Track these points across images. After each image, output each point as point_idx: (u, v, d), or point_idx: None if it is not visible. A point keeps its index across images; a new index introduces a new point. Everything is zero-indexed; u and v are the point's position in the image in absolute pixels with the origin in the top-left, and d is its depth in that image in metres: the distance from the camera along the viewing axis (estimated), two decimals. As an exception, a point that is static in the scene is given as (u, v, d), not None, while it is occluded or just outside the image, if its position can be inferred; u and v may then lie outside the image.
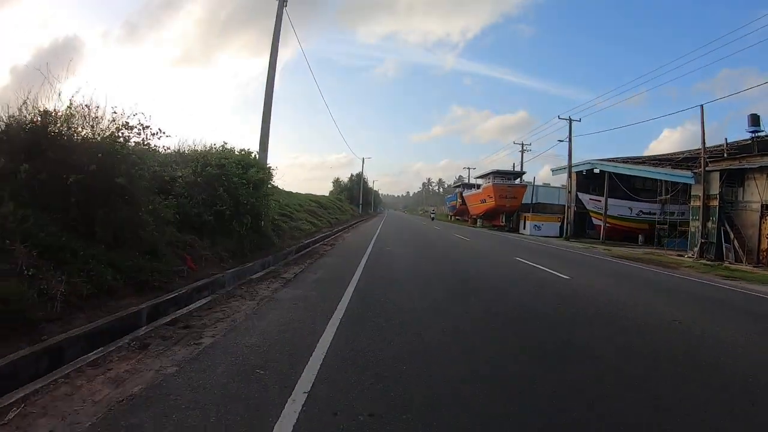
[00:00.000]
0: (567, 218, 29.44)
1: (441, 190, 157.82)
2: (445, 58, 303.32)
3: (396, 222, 40.33)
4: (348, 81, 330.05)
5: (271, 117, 11.35)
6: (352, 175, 68.02)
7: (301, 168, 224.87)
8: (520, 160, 39.41)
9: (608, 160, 30.48)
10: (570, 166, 29.64)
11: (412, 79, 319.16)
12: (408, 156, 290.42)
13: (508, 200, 34.94)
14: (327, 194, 57.70)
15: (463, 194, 48.02)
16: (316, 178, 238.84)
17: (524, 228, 34.15)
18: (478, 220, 40.55)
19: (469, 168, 60.07)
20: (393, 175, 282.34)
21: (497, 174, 37.51)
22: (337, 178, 69.48)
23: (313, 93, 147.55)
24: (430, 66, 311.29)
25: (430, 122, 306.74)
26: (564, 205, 38.20)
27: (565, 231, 28.96)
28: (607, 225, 27.86)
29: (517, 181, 37.51)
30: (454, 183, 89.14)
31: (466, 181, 59.54)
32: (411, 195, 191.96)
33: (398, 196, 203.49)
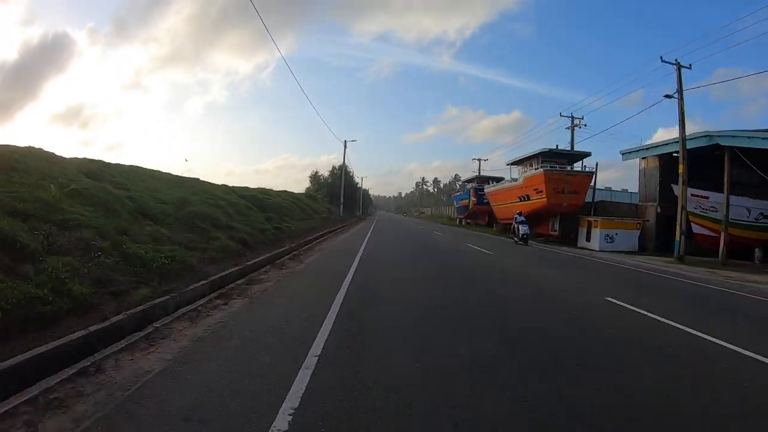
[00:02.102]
0: (679, 224, 17.59)
1: (436, 190, 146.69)
2: (440, 56, 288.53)
3: (395, 236, 23.30)
4: (341, 80, 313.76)
5: None
6: (333, 168, 52.24)
7: (292, 168, 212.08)
8: (569, 140, 27.53)
9: (734, 132, 18.89)
10: (683, 139, 17.85)
11: (407, 78, 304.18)
12: (400, 156, 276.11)
13: (566, 196, 21.79)
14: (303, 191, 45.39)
15: (485, 190, 33.64)
16: (306, 179, 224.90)
17: (588, 239, 22.03)
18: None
19: (480, 159, 48.21)
20: (384, 176, 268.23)
21: (547, 156, 23.36)
22: (316, 172, 54.70)
23: (303, 93, 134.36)
24: (426, 65, 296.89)
25: (424, 122, 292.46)
26: (631, 204, 26.98)
27: (678, 246, 17.14)
28: (712, 234, 17.39)
29: (569, 167, 23.40)
30: (454, 179, 77.30)
31: (464, 177, 47.88)
32: (403, 196, 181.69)
33: (390, 197, 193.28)
